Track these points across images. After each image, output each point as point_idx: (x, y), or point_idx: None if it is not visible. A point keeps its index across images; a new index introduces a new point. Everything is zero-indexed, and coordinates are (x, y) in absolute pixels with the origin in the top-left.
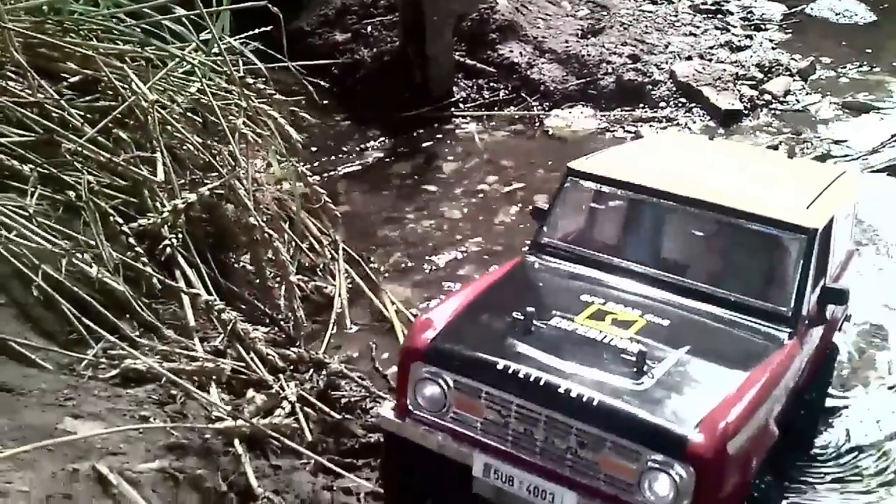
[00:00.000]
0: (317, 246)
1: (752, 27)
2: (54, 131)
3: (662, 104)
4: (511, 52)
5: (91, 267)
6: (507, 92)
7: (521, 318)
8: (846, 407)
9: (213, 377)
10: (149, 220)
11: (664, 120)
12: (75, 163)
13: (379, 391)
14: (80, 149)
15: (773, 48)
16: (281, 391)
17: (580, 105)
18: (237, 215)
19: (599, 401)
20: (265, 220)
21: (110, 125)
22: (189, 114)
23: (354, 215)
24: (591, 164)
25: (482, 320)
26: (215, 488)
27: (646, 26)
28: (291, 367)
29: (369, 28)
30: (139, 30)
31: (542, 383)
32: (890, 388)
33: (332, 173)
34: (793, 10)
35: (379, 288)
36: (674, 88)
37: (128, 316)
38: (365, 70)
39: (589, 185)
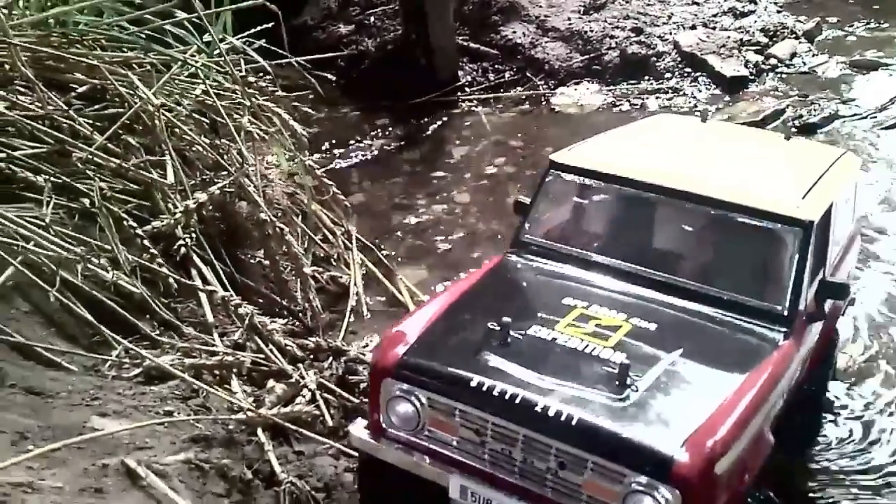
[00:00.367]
0: (330, 237)
1: None
2: (65, 142)
3: (668, 75)
4: (514, 32)
5: (108, 272)
6: (512, 73)
7: (498, 328)
8: (854, 398)
9: (234, 370)
10: (162, 221)
11: (670, 91)
12: (87, 171)
13: None
14: (91, 157)
15: (778, 11)
16: (301, 380)
17: (585, 81)
18: (249, 212)
19: (579, 419)
20: (277, 214)
21: (119, 131)
22: (195, 115)
23: (366, 204)
24: (573, 155)
25: (457, 331)
26: (241, 476)
27: None
28: (310, 356)
29: (372, 18)
30: (143, 36)
31: (518, 401)
32: None
33: (342, 164)
34: None
35: (393, 274)
36: (678, 59)
37: (147, 316)
38: (370, 60)
39: (571, 178)
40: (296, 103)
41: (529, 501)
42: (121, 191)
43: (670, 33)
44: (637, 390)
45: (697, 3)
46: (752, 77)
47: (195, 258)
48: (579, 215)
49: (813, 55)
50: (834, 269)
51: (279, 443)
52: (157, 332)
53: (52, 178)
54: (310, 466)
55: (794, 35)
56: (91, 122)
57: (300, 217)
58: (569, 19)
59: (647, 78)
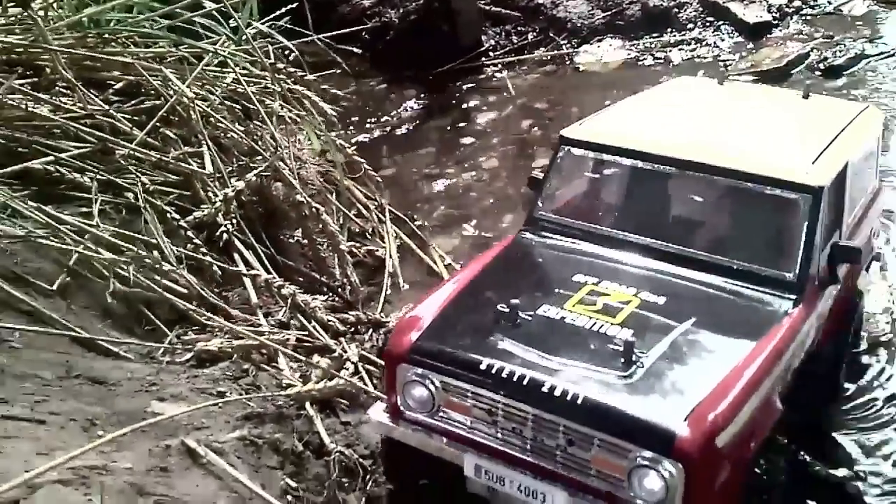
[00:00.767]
0: (364, 211)
1: None
2: (107, 140)
3: (690, 26)
4: None
5: (160, 265)
6: (534, 34)
7: (507, 310)
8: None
9: (280, 348)
10: (203, 211)
11: (693, 42)
12: (129, 167)
13: None
14: (132, 153)
15: None
16: (343, 353)
17: (608, 38)
18: (285, 193)
19: (585, 397)
20: (311, 194)
21: (157, 125)
22: (228, 102)
23: (397, 175)
24: (584, 130)
25: (468, 314)
26: (292, 449)
27: None
28: (351, 330)
29: None
30: (173, 30)
31: (526, 382)
32: None
33: (371, 138)
34: None
35: (427, 244)
36: (700, 8)
37: (195, 302)
38: (394, 31)
39: (582, 153)
40: (324, 86)
41: (541, 477)
42: (162, 183)
43: None
44: (643, 366)
45: None
46: (776, 21)
47: (237, 243)
48: (591, 190)
49: None
50: (853, 227)
51: (326, 415)
52: (206, 317)
53: (97, 177)
54: (357, 436)
55: None
56: (129, 116)
57: (334, 195)
58: None
59: (669, 30)
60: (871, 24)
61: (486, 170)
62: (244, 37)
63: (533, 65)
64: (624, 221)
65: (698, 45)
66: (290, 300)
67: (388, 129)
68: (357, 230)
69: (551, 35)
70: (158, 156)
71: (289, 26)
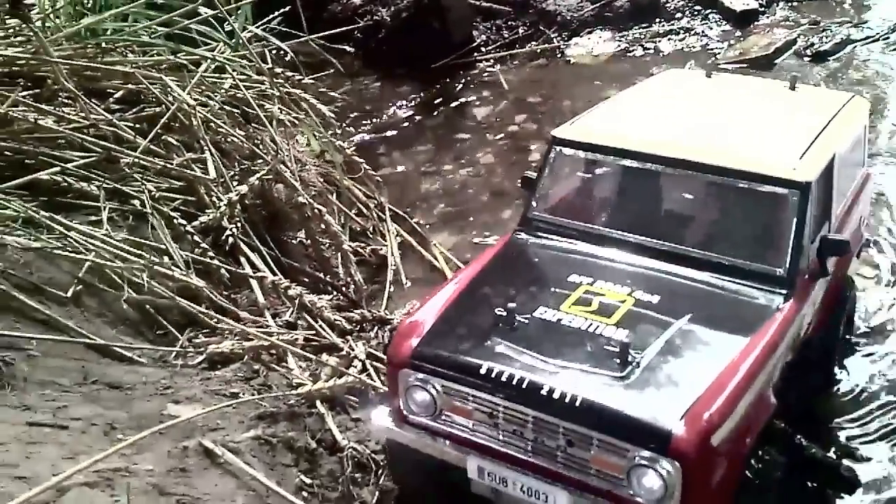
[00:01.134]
0: (364, 210)
1: None
2: (111, 149)
3: (678, 15)
4: None
5: (172, 270)
6: (525, 28)
7: (505, 314)
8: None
9: (289, 348)
10: (208, 215)
11: (681, 31)
12: (135, 174)
13: None
14: (136, 160)
15: None
16: (351, 351)
17: (598, 30)
18: (287, 196)
19: (583, 399)
20: (313, 195)
21: (160, 132)
22: (226, 107)
23: (395, 173)
24: (575, 129)
25: (467, 318)
26: (306, 446)
27: None
28: (358, 328)
29: None
30: (170, 38)
31: (525, 385)
32: None
33: (368, 137)
34: None
35: (428, 241)
36: None
37: (204, 305)
38: (386, 29)
39: (574, 152)
40: (322, 88)
41: (542, 477)
42: (167, 189)
43: None
44: (639, 366)
45: None
46: (763, 9)
47: (242, 246)
48: (583, 189)
49: None
50: (843, 217)
51: (337, 412)
52: (216, 319)
53: (103, 185)
54: (367, 432)
55: None
56: (131, 125)
57: (334, 195)
58: None
59: (658, 20)
60: (856, 8)
61: (483, 165)
62: (240, 42)
63: (524, 59)
64: (617, 220)
65: (687, 34)
66: (297, 301)
67: (383, 127)
68: (358, 229)
69: (541, 28)
70: (163, 163)
71: (283, 28)
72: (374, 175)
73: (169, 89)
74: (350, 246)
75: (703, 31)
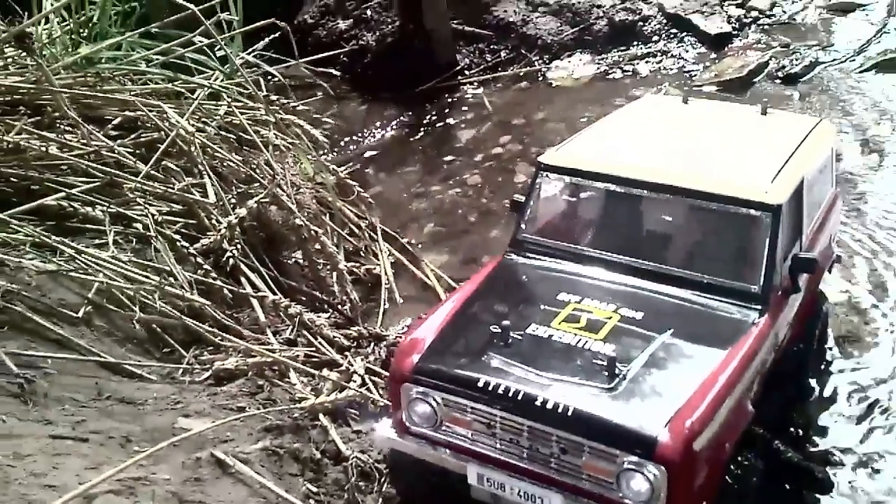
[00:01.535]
0: (356, 231)
1: None
2: (113, 174)
3: (655, 38)
4: (505, 11)
5: (181, 290)
6: (507, 52)
7: (499, 331)
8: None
9: (292, 363)
10: (209, 238)
11: (659, 54)
12: (137, 199)
13: None
14: (138, 185)
15: None
16: (350, 366)
17: (578, 53)
18: (283, 218)
19: (575, 409)
20: (308, 217)
21: (160, 158)
22: (222, 132)
23: (385, 194)
24: (560, 156)
25: (464, 335)
26: (311, 457)
27: None
28: (355, 344)
29: (369, 12)
30: (167, 67)
31: (520, 396)
32: None
33: (357, 158)
34: None
35: (419, 260)
36: (664, 21)
37: (208, 324)
38: (371, 54)
39: (560, 178)
40: (316, 115)
41: (538, 482)
42: (168, 213)
43: None
44: (625, 378)
45: None
46: (736, 32)
47: (243, 267)
48: (570, 212)
49: (791, 2)
50: (813, 236)
51: (339, 424)
52: (220, 337)
53: (108, 209)
54: (370, 442)
55: None
56: (131, 151)
57: (328, 216)
58: None
59: (635, 43)
60: (824, 31)
61: (470, 186)
62: (234, 69)
63: (507, 81)
64: (602, 241)
65: (664, 56)
66: (296, 319)
67: (371, 149)
68: (351, 249)
69: (523, 52)
70: (164, 188)
71: (272, 55)
72: (366, 197)
73: (166, 116)
74: (345, 266)
75: (679, 54)
